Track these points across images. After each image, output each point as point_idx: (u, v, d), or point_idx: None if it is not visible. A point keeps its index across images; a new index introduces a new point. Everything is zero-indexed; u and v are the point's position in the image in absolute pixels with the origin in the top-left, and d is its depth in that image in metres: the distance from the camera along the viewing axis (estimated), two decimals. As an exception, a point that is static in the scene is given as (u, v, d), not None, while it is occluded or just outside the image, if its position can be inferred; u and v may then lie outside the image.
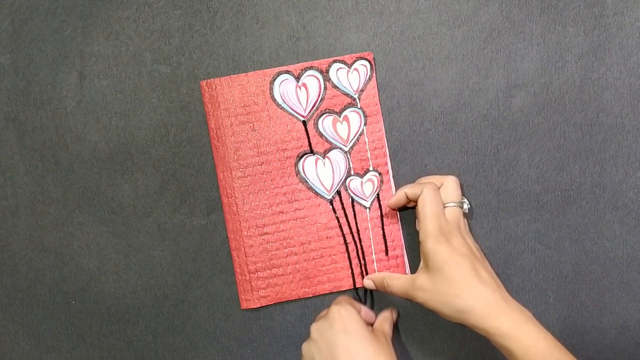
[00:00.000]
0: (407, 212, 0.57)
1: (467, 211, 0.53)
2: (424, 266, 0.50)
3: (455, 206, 0.52)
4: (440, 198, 0.51)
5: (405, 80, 0.57)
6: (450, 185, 0.52)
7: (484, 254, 0.53)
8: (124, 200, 0.57)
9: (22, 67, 0.57)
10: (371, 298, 0.57)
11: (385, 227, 0.57)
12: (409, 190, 0.52)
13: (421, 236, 0.50)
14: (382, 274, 0.54)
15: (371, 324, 0.54)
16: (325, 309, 0.53)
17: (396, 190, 0.55)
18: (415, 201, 0.52)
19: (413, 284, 0.49)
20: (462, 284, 0.47)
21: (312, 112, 0.57)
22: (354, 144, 0.57)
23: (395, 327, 0.57)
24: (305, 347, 0.50)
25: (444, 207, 0.51)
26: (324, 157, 0.57)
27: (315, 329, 0.50)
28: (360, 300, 0.57)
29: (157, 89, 0.57)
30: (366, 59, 0.56)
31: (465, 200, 0.54)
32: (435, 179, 0.53)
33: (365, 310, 0.55)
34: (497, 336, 0.45)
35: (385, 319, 0.54)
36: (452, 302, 0.47)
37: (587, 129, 0.56)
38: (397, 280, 0.51)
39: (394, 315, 0.56)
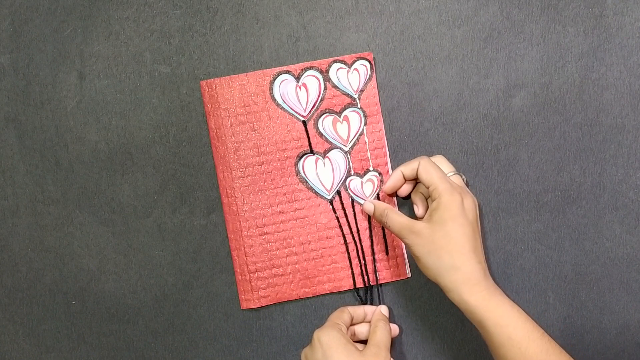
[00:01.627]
0: (407, 212, 0.57)
1: (465, 181, 0.54)
2: (428, 217, 0.50)
3: (455, 174, 0.52)
4: (438, 166, 0.52)
5: (405, 80, 0.57)
6: (442, 161, 0.53)
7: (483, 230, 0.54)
8: (124, 200, 0.57)
9: (22, 67, 0.57)
10: (371, 298, 0.57)
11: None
12: (404, 167, 0.53)
13: (433, 194, 0.50)
14: (385, 205, 0.53)
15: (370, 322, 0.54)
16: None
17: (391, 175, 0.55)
18: (412, 179, 0.53)
19: (411, 226, 0.50)
20: (458, 244, 0.48)
21: (312, 112, 0.57)
22: (354, 144, 0.57)
23: (396, 322, 0.57)
24: None
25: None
26: (324, 157, 0.57)
27: (303, 354, 0.51)
28: (361, 300, 0.57)
29: (157, 89, 0.57)
30: (366, 59, 0.56)
31: (462, 173, 0.54)
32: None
33: (359, 312, 0.55)
34: (470, 305, 0.47)
35: (380, 329, 0.52)
36: (442, 256, 0.48)
37: (587, 129, 0.56)
38: (398, 217, 0.51)
39: (386, 314, 0.56)
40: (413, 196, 0.55)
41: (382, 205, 0.53)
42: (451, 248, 0.48)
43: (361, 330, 0.54)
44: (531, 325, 0.47)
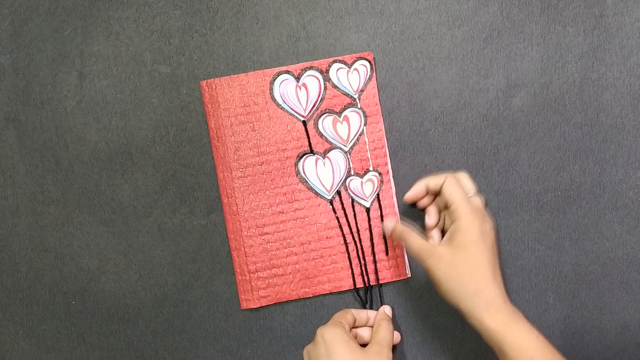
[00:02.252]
0: (408, 213, 0.57)
1: (484, 201, 0.54)
2: (448, 240, 0.50)
3: (476, 195, 0.52)
4: (461, 186, 0.52)
5: (405, 80, 0.57)
6: (466, 179, 0.53)
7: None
8: (124, 200, 0.57)
9: (22, 67, 0.57)
10: (371, 298, 0.57)
11: (385, 227, 0.57)
12: (430, 180, 0.53)
13: (454, 216, 0.50)
14: (403, 227, 0.53)
15: (372, 326, 0.54)
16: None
17: (415, 185, 0.54)
18: (435, 193, 0.53)
19: (431, 250, 0.49)
20: (481, 269, 0.48)
21: (312, 112, 0.57)
22: (354, 144, 0.57)
23: (396, 322, 0.57)
24: None
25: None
26: (324, 157, 0.57)
27: (305, 351, 0.51)
28: (361, 300, 0.57)
29: (157, 89, 0.57)
30: (366, 59, 0.56)
31: (482, 194, 0.54)
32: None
33: (362, 315, 0.55)
34: (491, 330, 0.46)
35: (383, 328, 0.53)
36: (467, 281, 0.47)
37: (587, 129, 0.56)
38: (418, 240, 0.51)
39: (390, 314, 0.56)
40: (430, 207, 0.55)
41: (400, 226, 0.53)
42: (474, 273, 0.47)
43: (363, 333, 0.54)
44: (550, 351, 0.46)
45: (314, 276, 0.57)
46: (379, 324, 0.53)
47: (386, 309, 0.55)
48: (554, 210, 0.56)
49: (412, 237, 0.52)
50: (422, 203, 0.55)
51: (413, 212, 0.57)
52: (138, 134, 0.57)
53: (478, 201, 0.52)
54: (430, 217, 0.54)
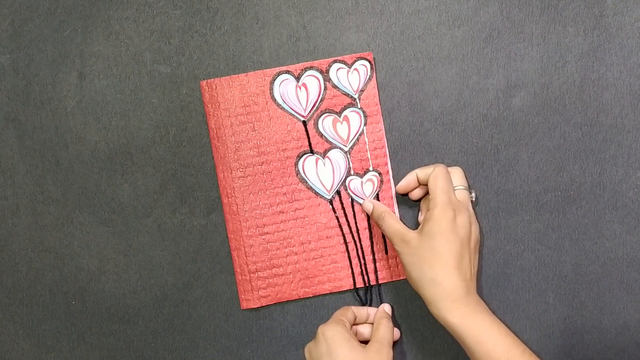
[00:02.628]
0: (408, 213, 0.57)
1: (473, 199, 0.54)
2: (420, 228, 0.50)
3: (463, 189, 0.52)
4: (450, 177, 0.52)
5: (405, 80, 0.57)
6: (457, 173, 0.54)
7: (481, 252, 0.53)
8: (124, 200, 0.57)
9: (22, 67, 0.57)
10: (371, 298, 0.57)
11: (385, 227, 0.57)
12: (419, 171, 0.53)
13: (430, 205, 0.50)
14: (384, 208, 0.54)
15: (372, 323, 0.54)
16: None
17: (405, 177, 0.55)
18: (425, 184, 0.53)
19: (403, 234, 0.50)
20: (442, 259, 0.48)
21: (312, 112, 0.57)
22: (354, 144, 0.57)
23: (396, 322, 0.57)
24: None
25: (454, 189, 0.52)
26: (324, 157, 0.57)
27: (307, 349, 0.51)
28: (361, 300, 0.57)
29: (157, 89, 0.57)
30: (366, 59, 0.56)
31: (473, 190, 0.54)
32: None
33: (362, 313, 0.55)
34: (449, 320, 0.47)
35: (383, 326, 0.53)
36: (425, 269, 0.48)
37: (587, 129, 0.56)
38: (394, 223, 0.52)
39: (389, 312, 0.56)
40: (421, 202, 0.55)
41: (381, 207, 0.54)
42: (434, 262, 0.48)
43: (363, 331, 0.54)
44: (511, 342, 0.47)
45: (314, 276, 0.57)
46: (379, 322, 0.53)
47: (386, 307, 0.56)
48: (554, 210, 0.56)
49: (388, 219, 0.52)
50: (414, 194, 0.55)
51: (413, 213, 0.57)
52: (138, 134, 0.57)
53: (463, 195, 0.52)
54: (422, 214, 0.55)
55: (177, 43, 0.57)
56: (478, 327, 0.47)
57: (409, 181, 0.54)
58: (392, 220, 0.52)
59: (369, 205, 0.55)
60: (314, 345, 0.50)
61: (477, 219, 0.54)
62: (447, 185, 0.51)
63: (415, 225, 0.57)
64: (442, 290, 0.48)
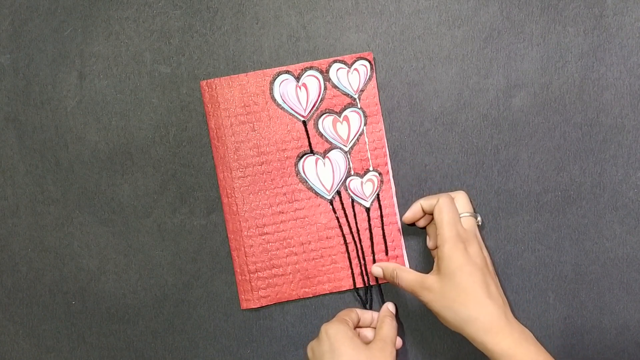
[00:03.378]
0: (406, 211, 0.57)
1: (480, 223, 0.53)
2: (436, 269, 0.50)
3: (469, 216, 0.52)
4: (455, 207, 0.51)
5: (405, 80, 0.57)
6: (461, 198, 0.53)
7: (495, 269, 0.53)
8: (124, 200, 0.57)
9: (22, 67, 0.57)
10: (371, 298, 0.57)
11: (385, 227, 0.57)
12: (424, 201, 0.53)
13: (438, 241, 0.49)
14: (393, 265, 0.54)
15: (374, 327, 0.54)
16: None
17: (411, 206, 0.54)
18: (430, 213, 0.52)
19: (422, 282, 0.49)
20: (470, 294, 0.47)
21: (312, 112, 0.57)
22: (354, 144, 0.57)
23: (398, 324, 0.57)
24: None
25: (460, 217, 0.51)
26: (324, 157, 0.57)
27: (309, 347, 0.51)
28: (361, 300, 0.57)
29: (157, 89, 0.57)
30: (366, 59, 0.56)
31: (478, 214, 0.54)
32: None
33: (366, 316, 0.55)
34: (496, 353, 0.46)
35: (387, 324, 0.53)
36: (457, 309, 0.47)
37: (587, 129, 0.56)
38: (408, 275, 0.51)
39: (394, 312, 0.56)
40: (428, 228, 0.55)
41: (390, 266, 0.54)
42: (464, 299, 0.47)
43: (366, 334, 0.54)
44: None
45: (314, 276, 0.57)
46: (382, 320, 0.53)
47: (389, 306, 0.55)
48: (554, 210, 0.56)
49: (402, 273, 0.52)
50: (420, 223, 0.55)
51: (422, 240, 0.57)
52: (138, 134, 0.57)
53: (470, 223, 0.51)
54: (430, 239, 0.54)
55: (177, 43, 0.57)
56: (524, 357, 0.45)
57: (414, 212, 0.53)
58: (405, 274, 0.51)
59: (378, 269, 0.55)
60: (317, 343, 0.50)
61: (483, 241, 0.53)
62: (454, 217, 0.50)
63: (422, 240, 0.57)
64: (482, 325, 0.46)
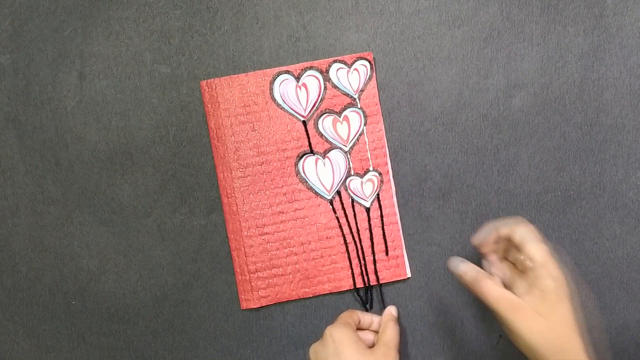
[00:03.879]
0: (408, 213, 0.57)
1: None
2: (536, 297, 0.46)
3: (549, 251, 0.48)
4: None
5: (405, 80, 0.57)
6: (533, 231, 0.49)
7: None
8: (124, 200, 0.57)
9: (22, 67, 0.57)
10: (371, 298, 0.57)
11: (385, 227, 0.57)
12: (502, 228, 0.49)
13: (541, 270, 0.46)
14: (479, 274, 0.47)
15: (375, 331, 0.54)
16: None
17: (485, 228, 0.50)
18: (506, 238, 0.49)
19: (511, 300, 0.46)
20: (569, 327, 0.45)
21: (312, 112, 0.57)
22: (354, 144, 0.57)
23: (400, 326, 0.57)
24: None
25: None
26: (324, 157, 0.57)
27: (312, 350, 0.51)
28: (361, 300, 0.57)
29: (157, 89, 0.57)
30: (366, 59, 0.56)
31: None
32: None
33: (366, 318, 0.55)
34: None
35: (390, 329, 0.52)
36: (551, 337, 0.45)
37: (587, 129, 0.56)
38: (497, 287, 0.47)
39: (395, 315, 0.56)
40: (491, 255, 0.51)
41: (474, 271, 0.48)
42: (563, 330, 0.45)
43: (366, 337, 0.54)
44: None
45: (314, 276, 0.57)
46: (385, 324, 0.53)
47: (392, 310, 0.56)
48: (554, 210, 0.56)
49: (489, 284, 0.47)
50: (486, 248, 0.50)
51: (416, 206, 0.57)
52: (138, 134, 0.57)
53: (557, 262, 0.48)
54: (493, 265, 0.50)
55: (177, 43, 0.57)
56: None
57: (487, 236, 0.49)
58: (493, 287, 0.46)
59: (464, 269, 0.48)
60: (321, 346, 0.50)
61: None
62: (548, 251, 0.47)
63: (422, 239, 0.57)
64: (571, 356, 0.45)
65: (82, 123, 0.57)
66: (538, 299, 0.46)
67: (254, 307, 0.57)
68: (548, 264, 0.46)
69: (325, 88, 0.56)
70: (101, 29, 0.57)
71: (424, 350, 0.57)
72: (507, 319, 0.46)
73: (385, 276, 0.57)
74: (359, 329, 0.54)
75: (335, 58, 0.56)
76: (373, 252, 0.57)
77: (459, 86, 0.56)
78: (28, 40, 0.57)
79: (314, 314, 0.57)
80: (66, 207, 0.57)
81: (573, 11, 0.56)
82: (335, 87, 0.56)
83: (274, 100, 0.56)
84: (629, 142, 0.56)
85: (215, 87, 0.56)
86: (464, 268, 0.48)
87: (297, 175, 0.57)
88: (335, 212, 0.57)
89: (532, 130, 0.56)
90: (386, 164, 0.57)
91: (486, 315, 0.56)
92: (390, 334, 0.52)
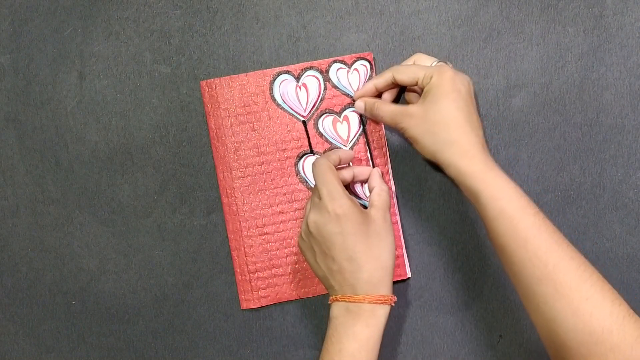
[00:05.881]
0: (409, 212, 0.57)
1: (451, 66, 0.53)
2: (421, 100, 0.50)
3: (440, 61, 0.53)
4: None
5: (405, 80, 0.56)
6: (420, 57, 0.54)
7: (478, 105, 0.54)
8: (124, 200, 0.57)
9: (22, 67, 0.57)
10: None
11: (385, 227, 0.57)
12: (377, 80, 0.54)
13: (424, 81, 0.50)
14: (374, 99, 0.54)
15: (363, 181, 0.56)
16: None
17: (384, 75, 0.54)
18: (391, 88, 0.54)
19: (404, 110, 0.50)
20: (453, 119, 0.48)
21: (312, 112, 0.57)
22: (354, 144, 0.57)
23: (396, 322, 0.57)
24: (303, 243, 0.51)
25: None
26: (324, 157, 0.57)
27: (312, 222, 0.49)
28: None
29: (157, 89, 0.57)
30: (366, 59, 0.56)
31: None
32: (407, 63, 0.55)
33: (344, 155, 0.54)
34: (468, 176, 0.47)
35: (384, 192, 0.52)
36: (438, 132, 0.48)
37: (587, 129, 0.56)
38: (389, 106, 0.52)
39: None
40: (407, 95, 0.55)
41: (371, 99, 0.54)
42: (446, 122, 0.48)
43: (344, 176, 0.54)
44: (526, 201, 0.46)
45: (314, 276, 0.57)
46: (380, 187, 0.52)
47: (376, 171, 0.55)
48: (554, 210, 0.56)
49: (383, 105, 0.53)
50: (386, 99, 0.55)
51: (414, 201, 0.57)
52: (138, 134, 0.57)
53: (445, 65, 0.51)
54: (392, 95, 0.55)
55: (177, 43, 0.57)
56: (495, 183, 0.46)
57: (366, 91, 0.54)
58: (386, 105, 0.52)
59: (360, 103, 0.55)
60: (322, 220, 0.49)
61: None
62: (420, 66, 0.52)
63: (422, 239, 0.57)
64: (460, 148, 0.47)
65: (82, 123, 0.57)
66: (422, 101, 0.50)
67: (253, 307, 0.57)
68: (424, 73, 0.50)
69: (325, 88, 0.56)
70: (101, 29, 0.57)
71: (424, 350, 0.57)
72: (401, 127, 0.51)
73: (385, 276, 0.57)
74: (339, 167, 0.54)
75: (335, 58, 0.56)
76: (373, 252, 0.57)
77: (459, 86, 0.56)
78: (28, 40, 0.57)
79: (314, 314, 0.57)
80: (66, 207, 0.57)
81: (573, 11, 0.56)
82: (335, 87, 0.56)
83: (274, 100, 0.56)
84: (629, 142, 0.56)
85: (215, 87, 0.56)
86: (360, 103, 0.55)
87: (297, 175, 0.57)
88: (335, 212, 0.57)
89: (532, 130, 0.56)
90: (386, 164, 0.57)
91: (486, 315, 0.56)
92: (380, 197, 0.52)
